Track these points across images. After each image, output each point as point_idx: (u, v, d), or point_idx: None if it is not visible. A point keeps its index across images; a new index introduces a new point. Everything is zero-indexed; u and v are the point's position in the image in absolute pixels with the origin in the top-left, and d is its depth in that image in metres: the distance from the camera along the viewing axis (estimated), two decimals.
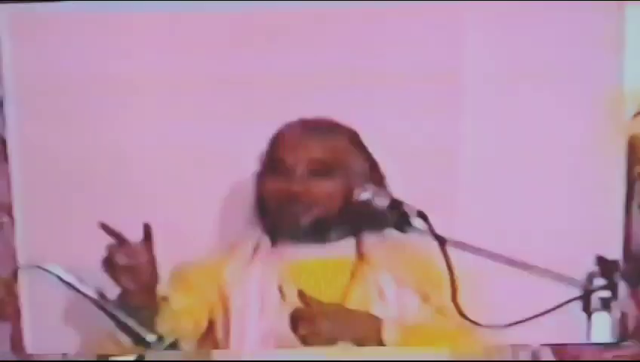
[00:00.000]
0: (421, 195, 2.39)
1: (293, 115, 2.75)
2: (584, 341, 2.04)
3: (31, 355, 3.25)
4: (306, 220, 2.59)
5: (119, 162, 3.26)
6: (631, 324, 3.24)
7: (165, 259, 2.44)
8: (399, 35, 3.23)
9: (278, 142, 2.65)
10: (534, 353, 2.98)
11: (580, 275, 2.17)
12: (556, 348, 2.99)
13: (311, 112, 2.76)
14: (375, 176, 2.67)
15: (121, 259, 2.27)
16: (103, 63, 3.24)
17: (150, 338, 2.29)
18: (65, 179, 3.26)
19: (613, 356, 3.12)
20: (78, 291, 2.30)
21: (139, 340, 2.30)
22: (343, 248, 2.64)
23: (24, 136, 3.29)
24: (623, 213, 3.26)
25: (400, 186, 2.67)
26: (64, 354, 2.98)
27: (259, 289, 2.54)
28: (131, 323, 2.29)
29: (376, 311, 2.51)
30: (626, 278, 3.24)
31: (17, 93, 3.28)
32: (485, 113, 3.26)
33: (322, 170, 2.60)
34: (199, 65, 3.24)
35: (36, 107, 3.28)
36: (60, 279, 2.32)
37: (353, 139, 2.69)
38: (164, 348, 2.32)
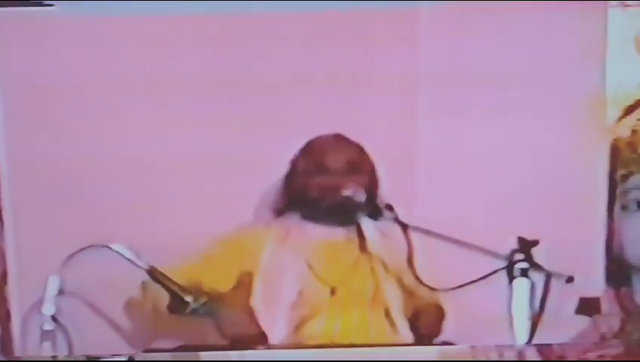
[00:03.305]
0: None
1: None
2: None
3: (20, 357, 3.26)
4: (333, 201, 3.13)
5: (117, 166, 3.29)
6: (615, 325, 3.27)
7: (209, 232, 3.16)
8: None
9: (313, 149, 3.21)
10: (520, 353, 3.00)
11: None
12: (541, 347, 3.01)
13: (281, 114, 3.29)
14: (373, 176, 3.19)
15: None
16: (107, 67, 3.28)
17: (188, 298, 2.88)
18: (57, 183, 3.29)
19: (597, 356, 3.15)
20: (137, 265, 2.89)
21: (181, 300, 2.89)
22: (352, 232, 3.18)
23: (13, 139, 3.31)
24: (606, 215, 3.29)
25: None
26: (54, 356, 2.99)
27: (290, 258, 3.15)
28: (175, 287, 2.90)
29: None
30: (610, 280, 3.27)
31: (6, 97, 3.30)
32: (454, 116, 3.32)
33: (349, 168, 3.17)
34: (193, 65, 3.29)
35: (25, 111, 3.29)
36: (122, 256, 2.88)
37: (362, 149, 3.21)
38: (199, 306, 2.89)
